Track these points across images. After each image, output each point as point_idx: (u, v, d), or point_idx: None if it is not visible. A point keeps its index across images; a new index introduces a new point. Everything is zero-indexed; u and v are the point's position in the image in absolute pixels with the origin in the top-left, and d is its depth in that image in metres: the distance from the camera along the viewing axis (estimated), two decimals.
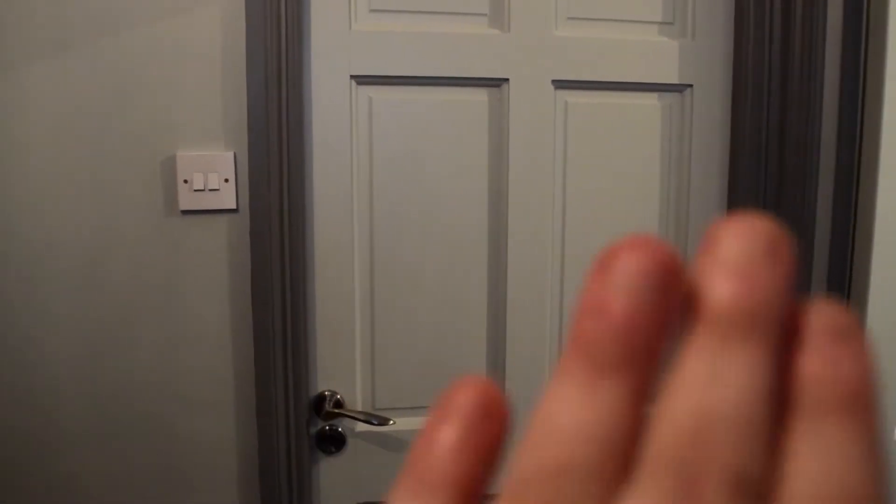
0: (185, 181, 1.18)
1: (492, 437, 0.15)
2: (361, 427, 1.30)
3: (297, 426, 1.26)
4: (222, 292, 1.21)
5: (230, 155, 1.19)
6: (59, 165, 1.16)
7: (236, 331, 1.22)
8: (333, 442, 1.30)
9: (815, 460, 0.13)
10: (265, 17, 1.17)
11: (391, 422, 1.25)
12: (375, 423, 1.25)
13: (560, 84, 1.30)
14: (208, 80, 1.18)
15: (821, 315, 0.14)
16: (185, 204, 1.19)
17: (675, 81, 1.33)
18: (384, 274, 1.30)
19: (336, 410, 1.29)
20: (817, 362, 0.14)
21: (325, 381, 1.30)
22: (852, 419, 0.13)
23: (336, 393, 1.30)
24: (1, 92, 1.13)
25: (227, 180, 1.20)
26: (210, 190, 1.19)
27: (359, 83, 1.26)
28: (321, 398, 1.29)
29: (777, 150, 1.30)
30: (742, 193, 1.32)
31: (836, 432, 0.13)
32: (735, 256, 0.14)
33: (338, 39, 1.25)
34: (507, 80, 1.29)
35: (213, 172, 1.19)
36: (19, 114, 1.14)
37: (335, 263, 1.28)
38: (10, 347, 1.19)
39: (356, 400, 1.32)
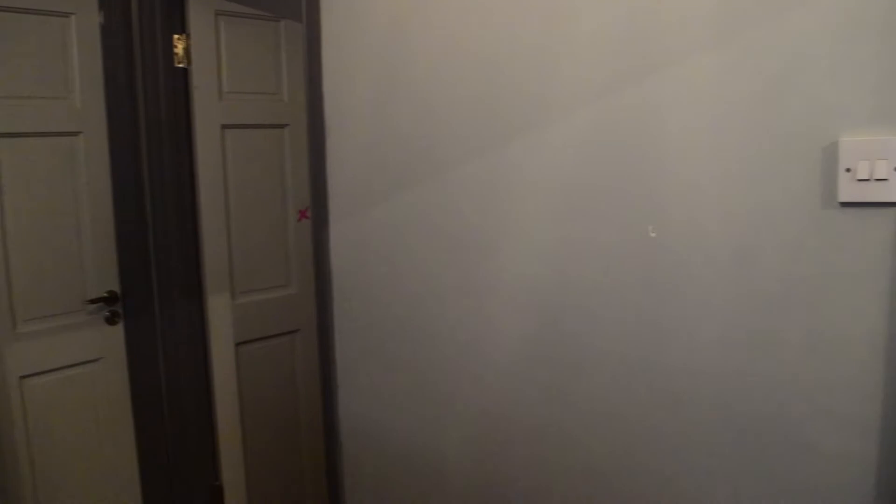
0: (848, 170, 1.07)
1: None
2: None
3: None
4: (880, 298, 1.06)
5: None
6: (715, 152, 1.16)
7: (892, 340, 1.06)
8: None
9: None
10: None
11: None
12: None
13: None
14: (881, 54, 1.04)
15: None
16: (845, 195, 1.07)
17: None
18: None
19: None
20: None
21: None
22: None
23: None
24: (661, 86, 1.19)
25: None
26: (877, 180, 1.05)
27: None
28: None
29: None
30: None
31: None
32: None
33: None
34: None
35: (882, 160, 1.05)
36: (683, 107, 1.18)
37: None
38: (664, 330, 1.25)
39: None
